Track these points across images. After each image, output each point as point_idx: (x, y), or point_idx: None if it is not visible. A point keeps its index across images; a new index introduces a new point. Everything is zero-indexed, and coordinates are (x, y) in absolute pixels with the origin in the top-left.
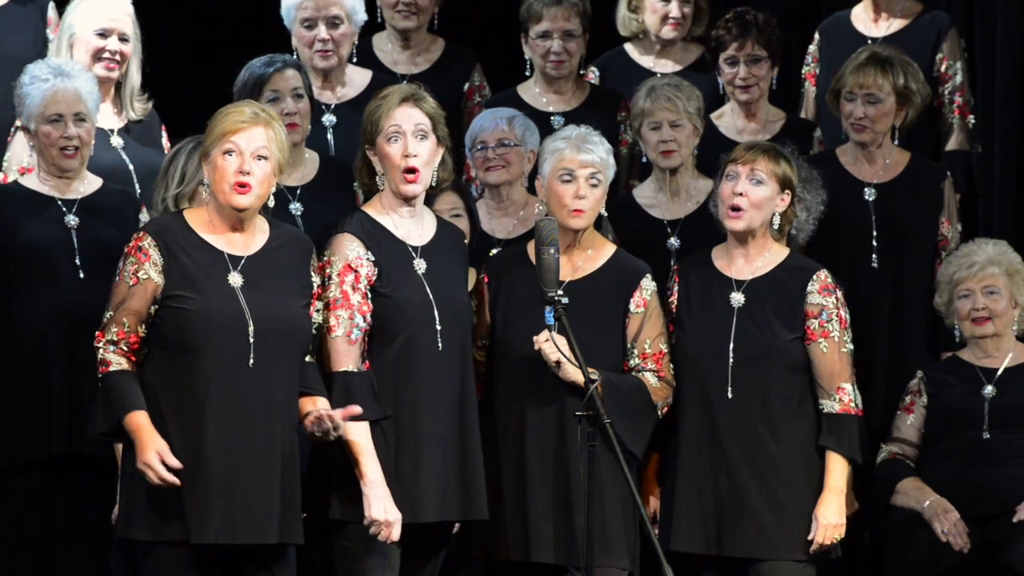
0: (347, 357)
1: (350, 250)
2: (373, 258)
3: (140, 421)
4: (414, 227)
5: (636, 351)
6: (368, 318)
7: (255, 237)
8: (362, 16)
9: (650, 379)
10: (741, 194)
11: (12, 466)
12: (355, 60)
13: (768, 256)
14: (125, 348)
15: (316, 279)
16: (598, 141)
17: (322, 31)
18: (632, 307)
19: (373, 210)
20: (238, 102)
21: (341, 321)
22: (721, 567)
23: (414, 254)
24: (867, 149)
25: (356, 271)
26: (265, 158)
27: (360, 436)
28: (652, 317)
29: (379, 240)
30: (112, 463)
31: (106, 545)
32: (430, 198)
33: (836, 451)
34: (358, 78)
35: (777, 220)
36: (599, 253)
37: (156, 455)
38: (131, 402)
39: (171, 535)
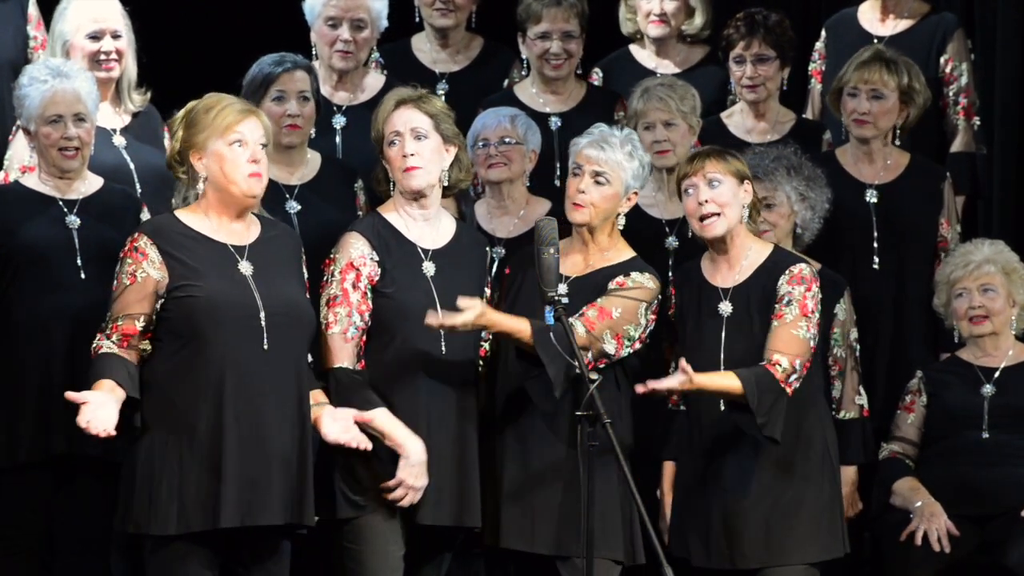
0: (342, 353)
1: (354, 248)
2: (378, 258)
3: (105, 385)
4: (427, 230)
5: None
6: (367, 317)
7: (250, 228)
8: (384, 23)
9: (578, 327)
10: (706, 201)
11: (12, 466)
12: (382, 63)
13: (751, 257)
14: (117, 339)
15: (305, 273)
16: (618, 143)
17: (345, 32)
18: (610, 285)
19: (387, 212)
20: (216, 95)
21: (339, 318)
22: (729, 570)
23: (424, 257)
24: (868, 148)
25: (358, 270)
26: (265, 146)
27: (387, 422)
28: (621, 293)
29: (387, 240)
30: (112, 464)
31: (106, 545)
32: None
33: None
34: (372, 82)
35: (746, 213)
36: (615, 255)
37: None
38: (104, 373)
39: (193, 525)
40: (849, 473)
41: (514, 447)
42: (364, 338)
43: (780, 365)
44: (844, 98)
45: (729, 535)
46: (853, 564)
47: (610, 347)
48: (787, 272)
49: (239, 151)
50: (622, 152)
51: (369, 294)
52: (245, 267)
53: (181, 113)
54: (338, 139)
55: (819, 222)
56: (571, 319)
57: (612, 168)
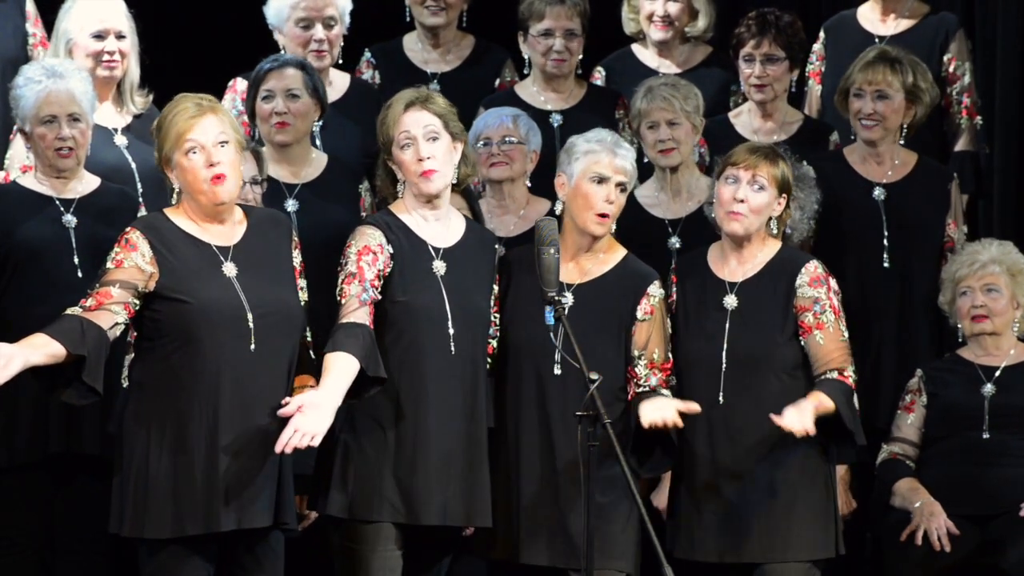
0: (356, 314)
1: (371, 237)
2: (392, 251)
3: (32, 340)
4: (439, 229)
5: (644, 359)
6: (379, 293)
7: (235, 226)
8: (348, 19)
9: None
10: (742, 200)
11: (11, 466)
12: (373, 63)
13: (760, 255)
14: (90, 304)
15: (297, 256)
16: (628, 149)
17: (319, 31)
18: (639, 315)
19: (398, 211)
20: (176, 99)
21: (353, 288)
22: (727, 569)
23: (435, 255)
24: (875, 149)
25: (374, 253)
26: (226, 142)
27: (342, 363)
28: (658, 324)
29: (400, 237)
30: (111, 464)
31: (106, 545)
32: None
33: (828, 395)
34: (339, 81)
35: (774, 224)
36: (609, 257)
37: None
38: (45, 329)
39: (189, 528)
40: (840, 472)
41: (529, 459)
42: (373, 308)
43: (851, 376)
44: (850, 99)
45: (725, 529)
46: (853, 564)
47: (674, 379)
48: (803, 272)
49: (195, 158)
50: (632, 159)
51: (381, 275)
52: (229, 268)
53: (156, 121)
54: (317, 141)
55: (808, 223)
56: (645, 380)
57: (630, 178)
